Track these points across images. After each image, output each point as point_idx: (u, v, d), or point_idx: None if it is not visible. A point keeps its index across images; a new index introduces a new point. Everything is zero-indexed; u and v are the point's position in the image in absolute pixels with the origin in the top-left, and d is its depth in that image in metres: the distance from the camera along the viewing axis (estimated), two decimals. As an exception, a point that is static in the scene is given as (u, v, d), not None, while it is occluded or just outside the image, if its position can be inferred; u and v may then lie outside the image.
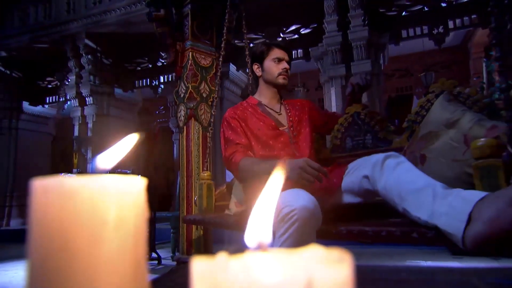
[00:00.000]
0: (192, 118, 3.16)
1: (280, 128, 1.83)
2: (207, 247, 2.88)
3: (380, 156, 1.39)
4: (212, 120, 2.81)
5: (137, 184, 0.29)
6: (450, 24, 5.96)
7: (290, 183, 1.40)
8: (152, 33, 3.48)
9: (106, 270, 0.26)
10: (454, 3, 5.87)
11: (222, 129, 1.87)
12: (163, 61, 7.72)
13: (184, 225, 3.04)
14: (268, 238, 0.25)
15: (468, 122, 1.43)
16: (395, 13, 6.14)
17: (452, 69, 8.50)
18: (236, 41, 5.92)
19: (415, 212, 1.16)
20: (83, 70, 7.59)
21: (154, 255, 3.96)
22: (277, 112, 1.90)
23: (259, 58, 1.93)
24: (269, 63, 1.89)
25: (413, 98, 8.35)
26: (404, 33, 6.17)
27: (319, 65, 6.54)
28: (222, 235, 4.22)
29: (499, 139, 1.25)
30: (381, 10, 6.13)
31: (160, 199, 7.56)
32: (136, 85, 8.18)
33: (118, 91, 8.11)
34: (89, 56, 7.50)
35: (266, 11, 5.97)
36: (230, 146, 1.77)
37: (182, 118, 3.20)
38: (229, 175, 2.47)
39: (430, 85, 1.87)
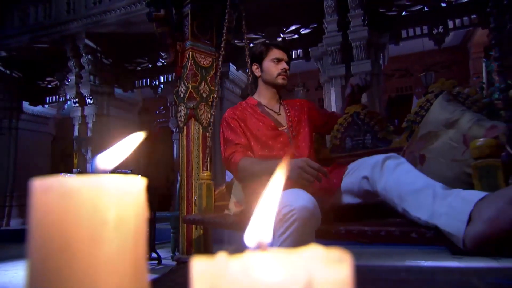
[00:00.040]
0: (192, 118, 3.16)
1: (279, 128, 1.83)
2: (207, 247, 2.88)
3: (379, 157, 1.39)
4: (212, 120, 2.81)
5: (137, 184, 0.29)
6: (450, 24, 5.96)
7: (290, 183, 1.40)
8: (152, 33, 3.48)
9: (106, 270, 0.26)
10: (454, 3, 5.87)
11: (221, 130, 1.87)
12: (163, 61, 7.72)
13: (184, 225, 3.04)
14: (268, 237, 0.25)
15: (467, 122, 1.43)
16: (395, 13, 6.15)
17: (452, 69, 8.50)
18: (236, 41, 5.92)
19: (415, 213, 1.16)
20: (83, 70, 7.59)
21: (154, 255, 3.96)
22: (276, 113, 1.90)
23: (258, 58, 1.93)
24: (268, 63, 1.89)
25: (413, 98, 8.35)
26: (404, 33, 6.18)
27: (319, 65, 6.54)
28: (222, 235, 4.22)
29: (498, 139, 1.26)
30: (381, 10, 6.13)
31: (160, 199, 7.56)
32: (136, 85, 8.18)
33: (118, 91, 8.11)
34: (89, 56, 7.50)
35: (266, 11, 5.97)
36: (230, 146, 1.77)
37: (182, 118, 3.20)
38: (228, 175, 2.47)
39: (430, 85, 1.87)
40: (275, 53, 1.89)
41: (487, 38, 6.07)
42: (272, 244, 0.24)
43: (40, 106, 9.30)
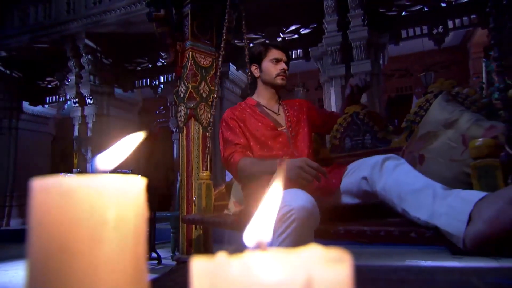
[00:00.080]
0: (192, 118, 3.16)
1: (278, 129, 1.83)
2: (207, 247, 2.89)
3: (379, 157, 1.39)
4: (212, 120, 2.81)
5: (137, 184, 0.29)
6: (450, 24, 5.96)
7: (289, 183, 1.40)
8: (152, 33, 3.47)
9: (105, 270, 0.26)
10: (453, 3, 5.87)
11: (220, 130, 1.87)
12: (163, 61, 7.73)
13: (184, 225, 3.04)
14: (267, 237, 0.25)
15: (466, 122, 1.43)
16: (395, 13, 6.15)
17: (452, 69, 8.50)
18: (236, 41, 5.92)
19: (415, 213, 1.16)
20: (83, 70, 7.59)
21: (154, 254, 3.96)
22: (275, 113, 1.90)
23: (257, 59, 1.93)
24: (267, 64, 1.89)
25: (413, 98, 8.35)
26: (404, 33, 6.18)
27: (319, 65, 6.54)
28: (222, 235, 4.22)
29: (497, 139, 1.26)
30: (381, 10, 6.13)
31: (160, 199, 7.56)
32: (136, 85, 8.18)
33: (118, 91, 8.11)
34: (89, 56, 7.50)
35: (266, 11, 5.97)
36: (229, 146, 1.77)
37: (182, 118, 3.20)
38: (228, 175, 2.47)
39: (430, 85, 1.87)
40: (274, 53, 1.89)
41: (487, 38, 6.07)
42: (271, 244, 0.24)
43: (40, 106, 9.31)
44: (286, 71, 1.90)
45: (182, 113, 3.20)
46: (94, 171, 0.31)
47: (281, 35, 6.86)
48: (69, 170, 9.12)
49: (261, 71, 1.92)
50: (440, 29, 5.97)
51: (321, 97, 7.36)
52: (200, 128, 3.16)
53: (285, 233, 1.21)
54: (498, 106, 1.46)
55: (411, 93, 8.81)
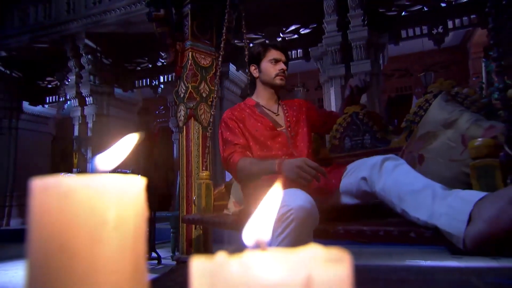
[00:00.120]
0: (192, 118, 3.16)
1: (277, 129, 1.83)
2: (207, 247, 2.89)
3: (378, 158, 1.39)
4: (211, 120, 2.81)
5: (137, 184, 0.29)
6: (450, 24, 5.96)
7: (288, 182, 1.40)
8: (152, 33, 3.47)
9: (105, 269, 0.26)
10: (453, 3, 5.87)
11: (220, 130, 1.87)
12: (163, 61, 7.72)
13: (183, 224, 3.04)
14: (266, 236, 0.25)
15: (466, 122, 1.43)
16: (395, 13, 6.15)
17: (452, 69, 8.50)
18: (236, 41, 5.92)
19: (414, 213, 1.16)
20: (83, 70, 7.59)
21: (154, 254, 3.96)
22: (274, 113, 1.90)
23: (256, 59, 1.93)
24: (266, 64, 1.89)
25: (412, 98, 8.35)
26: (403, 33, 6.18)
27: (318, 65, 6.54)
28: (222, 235, 4.22)
29: (496, 139, 1.26)
30: (380, 10, 6.13)
31: (160, 199, 7.56)
32: (136, 85, 8.18)
33: (118, 91, 8.11)
34: (89, 56, 7.50)
35: (266, 11, 5.97)
36: (228, 146, 1.78)
37: (182, 118, 3.20)
38: (228, 175, 2.47)
39: (430, 85, 1.88)
40: (273, 53, 1.89)
41: (487, 38, 6.07)
42: (270, 244, 0.24)
43: (40, 106, 9.30)
44: (285, 71, 1.90)
45: (182, 113, 3.20)
46: (94, 171, 0.31)
47: (281, 35, 6.86)
48: (69, 170, 9.12)
49: (260, 71, 1.92)
50: (440, 29, 5.97)
51: (321, 97, 7.36)
52: (200, 128, 3.16)
53: (284, 233, 1.21)
54: (497, 106, 1.46)
55: (411, 93, 8.81)
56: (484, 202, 1.01)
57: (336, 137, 2.16)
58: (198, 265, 0.22)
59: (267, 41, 6.74)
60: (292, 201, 1.23)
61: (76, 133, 7.73)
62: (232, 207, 2.07)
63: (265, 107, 1.91)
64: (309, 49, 6.55)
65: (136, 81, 8.15)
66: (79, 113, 7.73)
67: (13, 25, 8.15)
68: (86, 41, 7.32)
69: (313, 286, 0.20)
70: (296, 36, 6.86)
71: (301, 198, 1.26)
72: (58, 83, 8.66)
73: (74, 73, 7.66)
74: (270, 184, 0.27)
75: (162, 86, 8.01)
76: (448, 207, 1.07)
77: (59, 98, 8.85)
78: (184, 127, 3.20)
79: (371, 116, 2.08)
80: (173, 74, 5.24)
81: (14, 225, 8.63)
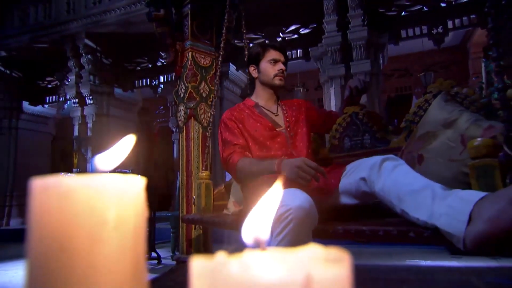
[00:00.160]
0: (192, 118, 3.16)
1: (277, 129, 1.83)
2: (207, 247, 2.89)
3: (377, 158, 1.39)
4: (211, 120, 2.81)
5: (137, 184, 0.29)
6: (449, 24, 5.96)
7: (287, 182, 1.40)
8: (152, 33, 3.48)
9: (105, 269, 0.26)
10: (453, 3, 5.87)
11: (219, 131, 1.87)
12: (163, 61, 7.72)
13: (183, 224, 3.04)
14: (265, 235, 0.25)
15: (465, 122, 1.43)
16: (395, 13, 6.15)
17: (451, 69, 8.50)
18: (235, 41, 5.92)
19: (414, 213, 1.16)
20: (83, 70, 7.59)
21: (154, 254, 3.96)
22: (274, 113, 1.90)
23: (255, 59, 1.93)
24: (265, 64, 1.89)
25: (412, 98, 8.35)
26: (403, 33, 6.18)
27: (318, 65, 6.54)
28: (221, 235, 4.22)
29: (495, 139, 1.26)
30: (380, 10, 6.13)
31: (160, 199, 7.56)
32: (136, 85, 8.18)
33: (118, 91, 8.11)
34: (89, 56, 7.50)
35: (265, 11, 5.97)
36: (228, 147, 1.78)
37: (182, 118, 3.20)
38: (228, 175, 2.47)
39: (429, 85, 1.88)
40: (272, 54, 1.89)
41: (486, 38, 6.06)
42: (269, 244, 0.24)
43: (40, 106, 9.30)
44: (284, 72, 1.90)
45: (182, 113, 3.20)
46: (94, 171, 0.31)
47: (281, 35, 6.86)
48: (69, 170, 9.12)
49: (259, 72, 1.92)
50: (440, 29, 5.97)
51: (320, 97, 7.36)
52: (200, 128, 3.17)
53: (283, 233, 1.21)
54: (497, 106, 1.46)
55: (410, 93, 8.81)
56: (484, 202, 1.01)
57: (335, 137, 2.16)
58: (198, 265, 0.22)
59: (266, 41, 6.74)
60: (291, 201, 1.23)
61: (76, 133, 7.73)
62: (231, 207, 2.08)
63: (264, 108, 1.91)
64: (309, 49, 6.55)
65: (136, 81, 8.15)
66: (79, 113, 7.72)
67: (13, 25, 8.14)
68: (86, 41, 7.32)
69: (312, 286, 0.20)
70: (296, 36, 6.86)
71: (300, 198, 1.26)
72: (58, 83, 8.65)
73: (74, 73, 7.66)
74: (269, 184, 0.27)
75: (162, 86, 8.00)
76: (448, 207, 1.07)
77: (59, 98, 8.84)
78: (184, 127, 3.20)
79: (371, 116, 2.08)
80: (173, 74, 5.24)
81: (14, 225, 8.63)
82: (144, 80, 8.10)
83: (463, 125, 1.44)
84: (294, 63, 6.90)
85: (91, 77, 7.57)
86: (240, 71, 7.23)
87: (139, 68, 8.12)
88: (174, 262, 3.56)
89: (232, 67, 7.14)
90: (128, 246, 0.28)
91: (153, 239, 4.05)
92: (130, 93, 8.47)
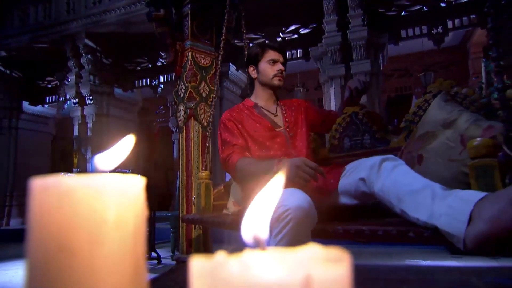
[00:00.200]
0: (192, 117, 3.16)
1: (276, 129, 1.83)
2: (207, 247, 2.89)
3: (377, 158, 1.39)
4: (211, 120, 2.81)
5: (136, 183, 0.29)
6: (449, 24, 5.96)
7: (286, 182, 1.40)
8: (152, 33, 3.48)
9: (105, 269, 0.26)
10: (453, 3, 5.87)
11: (219, 132, 1.88)
12: (163, 61, 7.72)
13: (183, 224, 3.04)
14: (265, 233, 0.25)
15: (465, 122, 1.43)
16: (395, 13, 6.15)
17: (451, 69, 8.50)
18: (235, 41, 5.92)
19: (414, 213, 1.16)
20: (83, 70, 7.59)
21: (154, 254, 3.96)
22: (273, 114, 1.90)
23: (254, 60, 1.93)
24: (264, 65, 1.89)
25: (412, 98, 8.35)
26: (403, 33, 6.18)
27: (318, 65, 6.54)
28: (221, 235, 4.22)
29: (495, 139, 1.26)
30: (380, 10, 6.13)
31: (160, 199, 7.56)
32: (136, 85, 8.17)
33: (118, 91, 8.11)
34: (89, 56, 7.49)
35: (265, 11, 5.96)
36: (227, 147, 1.78)
37: (182, 117, 3.20)
38: (228, 175, 2.47)
39: (429, 85, 1.88)
40: (271, 54, 1.89)
41: (486, 38, 6.06)
42: (268, 244, 0.24)
43: (40, 106, 9.30)
44: (283, 72, 1.90)
45: (182, 113, 3.20)
46: (94, 170, 0.31)
47: (281, 35, 6.86)
48: (69, 170, 9.12)
49: (258, 72, 1.92)
50: (440, 29, 5.97)
51: (320, 97, 7.35)
52: (200, 128, 3.17)
53: (282, 233, 1.21)
54: (497, 106, 1.46)
55: (410, 93, 8.81)
56: (484, 202, 1.01)
57: (335, 137, 2.16)
58: (197, 264, 0.22)
59: (266, 41, 6.74)
60: (289, 201, 1.23)
61: (76, 133, 7.73)
62: (231, 207, 2.08)
63: (263, 108, 1.91)
64: (309, 49, 6.55)
65: (136, 81, 8.15)
66: (79, 113, 7.72)
67: (13, 25, 8.14)
68: (86, 41, 7.32)
69: (312, 286, 0.20)
70: (296, 36, 6.86)
71: (299, 198, 1.26)
72: (58, 83, 8.65)
73: (74, 73, 7.66)
74: (268, 182, 0.27)
75: (162, 86, 8.00)
76: (448, 207, 1.07)
77: (59, 98, 8.84)
78: (184, 127, 3.20)
79: (371, 116, 2.08)
80: (173, 74, 5.24)
81: (14, 225, 8.63)
82: (144, 80, 8.09)
83: (462, 125, 1.44)
84: (294, 63, 6.89)
85: (91, 77, 7.57)
86: (240, 71, 7.23)
87: (139, 68, 8.12)
88: (174, 262, 3.56)
89: (232, 67, 7.14)
90: (128, 246, 0.28)
91: (153, 239, 4.06)
92: (130, 93, 8.47)
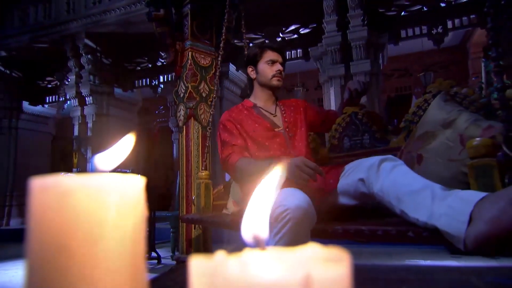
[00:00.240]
0: (192, 117, 3.16)
1: (275, 130, 1.84)
2: (207, 246, 2.89)
3: (376, 159, 1.39)
4: (211, 119, 2.81)
5: (136, 183, 0.29)
6: (449, 24, 5.96)
7: (285, 182, 1.40)
8: (152, 33, 3.48)
9: (104, 269, 0.26)
10: (453, 3, 5.87)
11: (218, 132, 1.88)
12: (163, 60, 7.72)
13: (183, 224, 3.05)
14: (265, 233, 0.25)
15: (464, 122, 1.43)
16: (395, 13, 6.15)
17: (451, 69, 8.50)
18: (235, 41, 5.92)
19: (414, 214, 1.15)
20: (83, 70, 7.59)
21: (154, 254, 3.97)
22: (272, 114, 1.90)
23: (253, 60, 1.93)
24: (263, 65, 1.89)
25: (412, 98, 8.36)
26: (403, 33, 6.17)
27: (318, 65, 6.54)
28: (221, 235, 4.22)
29: (495, 139, 1.26)
30: (380, 10, 6.13)
31: (160, 199, 7.55)
32: (136, 85, 8.17)
33: (117, 90, 8.11)
34: (89, 56, 7.49)
35: (265, 11, 5.96)
36: (226, 147, 1.78)
37: (182, 117, 3.20)
38: (228, 175, 2.47)
39: (429, 85, 1.88)
40: (270, 55, 1.89)
41: (486, 38, 6.06)
42: (267, 244, 0.24)
43: (40, 106, 9.30)
44: (282, 72, 1.90)
45: (182, 112, 3.20)
46: (94, 170, 0.31)
47: (281, 35, 6.85)
48: (69, 170, 9.11)
49: (257, 72, 1.92)
50: (440, 29, 5.97)
51: (320, 97, 7.35)
52: (200, 128, 3.17)
53: (281, 233, 1.21)
54: (496, 106, 1.46)
55: (410, 93, 8.82)
56: (484, 203, 1.01)
57: (335, 137, 2.16)
58: (197, 264, 0.22)
59: (266, 41, 6.74)
60: (288, 201, 1.23)
61: (76, 133, 7.73)
62: (231, 206, 2.08)
63: (262, 108, 1.91)
64: (309, 49, 6.55)
65: (136, 81, 8.15)
66: (79, 113, 7.72)
67: (13, 25, 8.14)
68: (86, 41, 7.31)
69: (312, 286, 0.20)
70: (295, 36, 6.86)
71: (297, 197, 1.26)
72: (58, 83, 8.65)
73: (74, 73, 7.66)
74: (263, 179, 0.27)
75: (162, 86, 8.00)
76: (448, 207, 1.07)
77: (59, 98, 8.84)
78: (184, 127, 3.20)
79: (370, 116, 2.08)
80: (173, 74, 5.23)
81: (14, 225, 8.63)
82: (144, 80, 8.09)
83: (462, 125, 1.44)
84: (294, 63, 6.89)
85: (91, 77, 7.57)
86: (240, 71, 7.23)
87: (139, 68, 8.12)
88: (174, 262, 3.56)
89: (232, 67, 7.14)
90: (127, 246, 0.28)
91: (153, 239, 4.06)
92: (130, 93, 8.47)
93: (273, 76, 1.88)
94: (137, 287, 0.28)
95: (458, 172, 1.38)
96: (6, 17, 8.24)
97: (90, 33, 7.26)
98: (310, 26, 6.66)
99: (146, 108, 10.40)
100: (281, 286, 0.20)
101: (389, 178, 1.28)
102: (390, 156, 1.41)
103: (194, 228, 2.95)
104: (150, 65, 7.99)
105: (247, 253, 0.22)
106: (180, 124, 3.23)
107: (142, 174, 0.31)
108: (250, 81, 1.99)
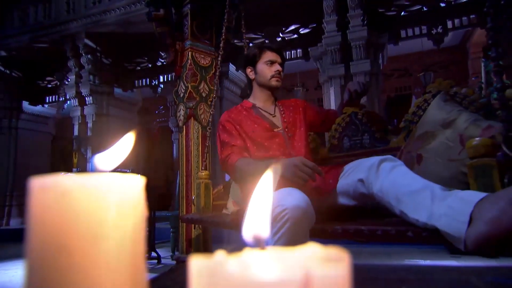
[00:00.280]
0: (192, 117, 3.16)
1: (274, 130, 1.83)
2: (206, 246, 2.89)
3: (375, 159, 1.38)
4: (211, 119, 2.81)
5: (136, 183, 0.29)
6: (449, 24, 5.96)
7: (284, 182, 1.40)
8: (151, 33, 3.47)
9: (104, 269, 0.26)
10: (453, 3, 5.87)
11: (217, 133, 1.88)
12: (163, 60, 7.72)
13: (183, 224, 3.04)
14: (265, 233, 0.25)
15: (464, 122, 1.43)
16: (394, 13, 6.15)
17: (451, 69, 8.50)
18: (235, 41, 5.92)
19: (413, 214, 1.15)
20: (83, 69, 7.59)
21: (153, 254, 3.96)
22: (271, 114, 1.90)
23: (252, 61, 1.93)
24: (261, 66, 1.89)
25: (412, 98, 8.35)
26: (403, 33, 6.18)
27: (318, 65, 6.54)
28: (221, 235, 4.22)
29: (494, 139, 1.26)
30: (380, 10, 6.13)
31: (160, 199, 7.55)
32: (136, 85, 8.18)
33: (117, 90, 8.11)
34: (89, 56, 7.49)
35: (265, 11, 5.96)
36: (226, 148, 1.78)
37: (182, 117, 3.20)
38: (228, 175, 2.47)
39: (429, 85, 1.88)
40: (268, 55, 1.89)
41: (486, 38, 6.05)
42: (267, 243, 0.24)
43: (40, 105, 9.30)
44: (281, 73, 1.90)
45: (182, 112, 3.20)
46: (94, 170, 0.31)
47: (281, 35, 6.86)
48: (69, 170, 9.10)
49: (256, 73, 1.92)
50: (439, 29, 5.97)
51: (320, 97, 7.36)
52: (200, 128, 3.17)
53: (279, 233, 1.21)
54: (496, 106, 1.46)
55: (410, 93, 8.82)
56: (484, 203, 1.01)
57: (335, 137, 2.16)
58: (197, 264, 0.23)
59: (266, 41, 6.74)
60: (287, 201, 1.23)
61: (76, 133, 7.73)
62: (231, 206, 2.08)
63: (261, 109, 1.91)
64: (309, 49, 6.55)
65: (136, 81, 8.15)
66: (79, 113, 7.72)
67: (13, 25, 8.14)
68: (86, 41, 7.32)
69: (312, 285, 0.20)
70: (295, 36, 6.86)
71: (296, 197, 1.26)
72: (58, 83, 8.65)
73: (74, 73, 7.66)
74: (261, 180, 0.27)
75: (162, 86, 8.00)
76: (448, 208, 1.07)
77: (59, 98, 8.84)
78: (184, 126, 3.20)
79: (370, 116, 2.08)
80: (173, 74, 5.24)
81: (14, 225, 8.63)
82: (144, 80, 8.10)
83: (462, 125, 1.44)
84: (294, 63, 6.89)
85: (91, 77, 7.57)
86: (240, 71, 7.23)
87: (139, 68, 8.12)
88: (174, 262, 3.56)
89: (232, 67, 7.14)
90: (127, 245, 0.28)
91: (153, 238, 4.06)
92: (130, 93, 8.47)
93: (272, 76, 1.88)
94: (137, 287, 0.28)
95: (458, 172, 1.38)
96: (6, 17, 8.24)
97: (90, 33, 7.26)
98: (310, 26, 6.66)
99: (146, 108, 10.40)
100: (280, 286, 0.20)
101: (388, 178, 1.28)
102: (389, 156, 1.41)
103: (194, 228, 2.95)
104: (150, 65, 8.00)
105: (247, 253, 0.22)
106: (180, 124, 3.23)
107: (142, 174, 0.31)
108: (249, 81, 1.99)
